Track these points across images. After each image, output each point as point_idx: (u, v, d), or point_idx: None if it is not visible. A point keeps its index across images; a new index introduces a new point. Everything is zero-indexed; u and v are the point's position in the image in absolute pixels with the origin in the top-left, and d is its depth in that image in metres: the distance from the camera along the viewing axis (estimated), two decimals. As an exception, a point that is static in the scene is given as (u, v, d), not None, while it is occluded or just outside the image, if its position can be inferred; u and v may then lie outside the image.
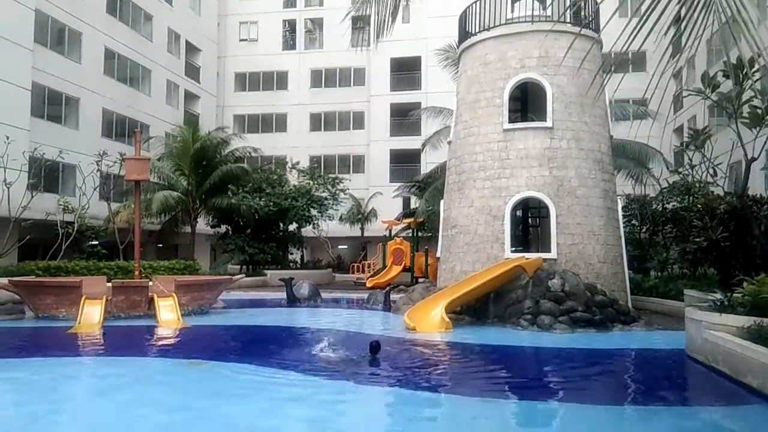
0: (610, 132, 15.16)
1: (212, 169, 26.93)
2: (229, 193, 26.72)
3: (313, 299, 18.08)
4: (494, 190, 14.02)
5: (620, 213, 14.70)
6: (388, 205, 35.32)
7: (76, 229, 20.83)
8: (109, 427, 5.41)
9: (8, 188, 19.44)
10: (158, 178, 26.93)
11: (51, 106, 27.31)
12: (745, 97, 12.13)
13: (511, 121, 14.34)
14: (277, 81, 43.52)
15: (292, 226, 30.70)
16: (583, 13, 15.07)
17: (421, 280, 22.63)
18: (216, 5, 42.70)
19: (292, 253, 33.89)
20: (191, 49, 39.44)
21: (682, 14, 3.81)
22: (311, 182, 31.11)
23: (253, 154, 30.81)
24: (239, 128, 40.37)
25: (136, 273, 15.11)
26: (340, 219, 35.28)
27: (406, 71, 40.67)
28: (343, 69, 42.44)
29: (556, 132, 13.85)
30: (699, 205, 13.71)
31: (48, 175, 24.48)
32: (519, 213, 16.10)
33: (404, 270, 25.24)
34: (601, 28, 14.44)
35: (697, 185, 16.42)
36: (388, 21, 6.76)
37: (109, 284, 14.27)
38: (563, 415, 6.09)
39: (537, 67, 14.11)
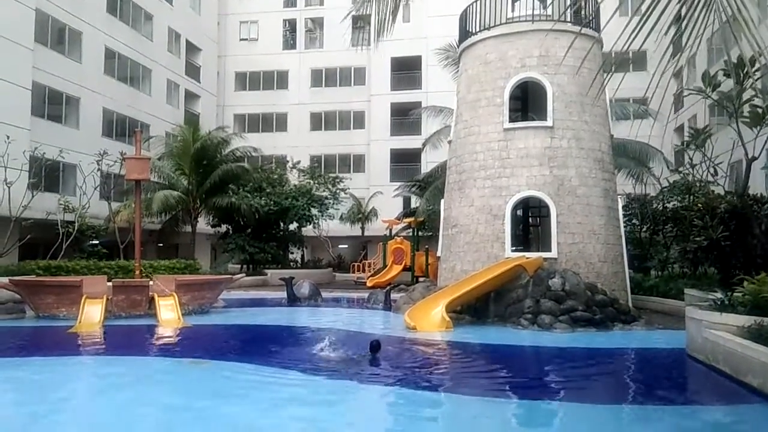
0: (611, 131, 15.16)
1: (213, 168, 26.92)
2: (230, 192, 26.72)
3: (313, 299, 18.08)
4: (495, 189, 14.02)
5: (621, 212, 14.70)
6: (388, 204, 35.34)
7: (76, 228, 20.83)
8: (110, 427, 5.41)
9: (9, 188, 19.46)
10: (159, 178, 26.93)
11: (51, 105, 27.31)
12: (745, 96, 12.14)
13: (511, 120, 14.34)
14: (277, 80, 43.53)
15: (293, 226, 30.71)
16: (583, 13, 15.07)
17: (421, 279, 22.64)
18: (216, 5, 42.70)
19: (292, 253, 33.90)
20: (191, 49, 39.45)
21: (683, 13, 3.80)
22: (312, 182, 31.13)
23: (253, 154, 30.80)
24: (239, 128, 40.37)
25: (137, 272, 15.11)
26: (341, 218, 35.32)
27: (406, 70, 40.67)
28: (343, 68, 42.45)
29: (557, 131, 13.85)
30: (699, 205, 13.71)
31: (48, 175, 24.51)
32: (519, 212, 16.10)
33: (405, 269, 25.24)
34: (601, 27, 14.43)
35: (698, 184, 16.42)
36: (388, 20, 6.75)
37: (110, 283, 14.27)
38: (564, 414, 6.09)
39: (537, 66, 14.10)
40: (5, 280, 13.83)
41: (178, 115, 36.72)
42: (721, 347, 7.31)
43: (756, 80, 11.94)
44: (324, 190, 30.81)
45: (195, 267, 22.01)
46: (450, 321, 11.70)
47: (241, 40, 44.04)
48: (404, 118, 36.99)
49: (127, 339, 11.24)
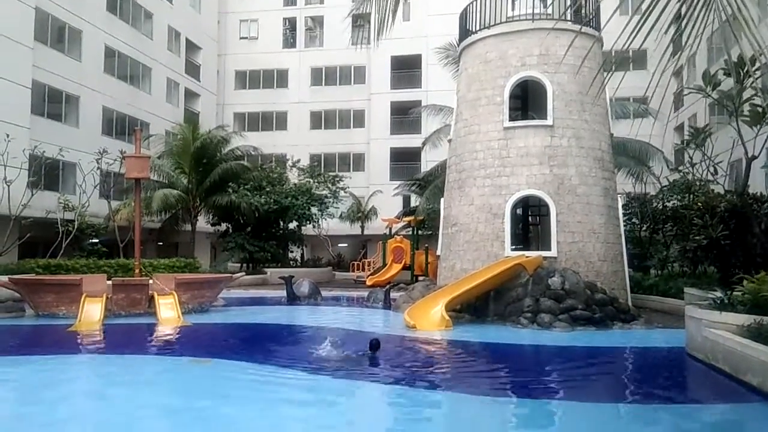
0: (611, 130, 15.15)
1: (212, 167, 26.89)
2: (230, 191, 26.71)
3: (313, 297, 18.08)
4: (494, 188, 14.01)
5: (620, 211, 14.69)
6: (388, 203, 35.34)
7: (76, 227, 20.82)
8: (109, 425, 5.41)
9: (8, 186, 19.44)
10: (158, 176, 26.90)
11: (51, 104, 27.28)
12: (745, 95, 12.14)
13: (511, 119, 14.33)
14: (277, 79, 43.49)
15: (293, 224, 30.68)
16: (583, 11, 15.06)
17: (421, 278, 22.65)
18: (216, 3, 42.65)
19: (292, 251, 33.89)
20: (191, 47, 39.40)
21: (683, 12, 3.80)
22: (311, 180, 31.11)
23: (253, 153, 30.81)
24: (239, 126, 40.31)
25: (137, 271, 15.11)
26: (341, 217, 35.31)
27: (406, 69, 40.63)
28: (343, 67, 42.41)
29: (557, 130, 13.84)
30: (699, 204, 13.71)
31: (48, 173, 24.48)
32: (519, 211, 16.10)
33: (404, 268, 25.23)
34: (601, 26, 14.42)
35: (698, 183, 16.43)
36: (388, 19, 6.74)
37: (110, 282, 14.26)
38: (563, 413, 6.10)
39: (537, 65, 14.09)
40: (5, 278, 13.81)
41: (177, 113, 36.69)
42: (720, 346, 7.31)
43: (756, 79, 11.94)
44: (324, 189, 30.80)
45: (195, 266, 21.99)
46: (449, 320, 11.70)
47: (241, 38, 43.99)
48: (404, 116, 36.98)
49: (127, 338, 11.25)
